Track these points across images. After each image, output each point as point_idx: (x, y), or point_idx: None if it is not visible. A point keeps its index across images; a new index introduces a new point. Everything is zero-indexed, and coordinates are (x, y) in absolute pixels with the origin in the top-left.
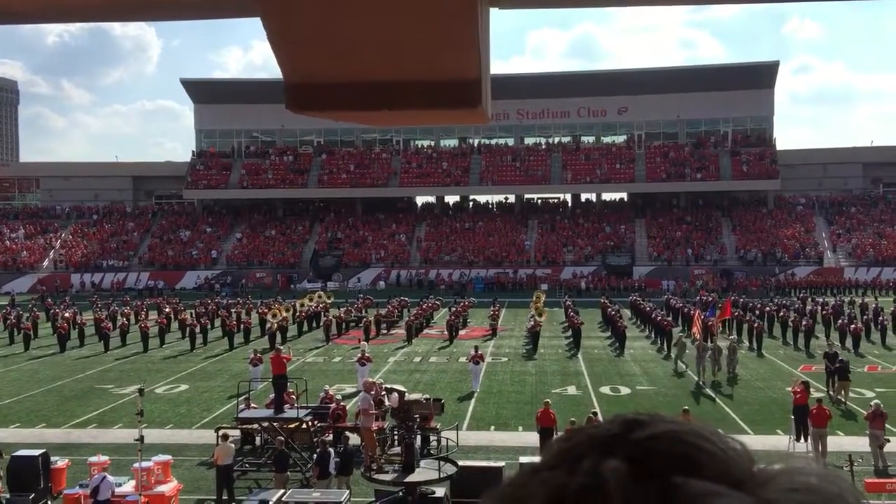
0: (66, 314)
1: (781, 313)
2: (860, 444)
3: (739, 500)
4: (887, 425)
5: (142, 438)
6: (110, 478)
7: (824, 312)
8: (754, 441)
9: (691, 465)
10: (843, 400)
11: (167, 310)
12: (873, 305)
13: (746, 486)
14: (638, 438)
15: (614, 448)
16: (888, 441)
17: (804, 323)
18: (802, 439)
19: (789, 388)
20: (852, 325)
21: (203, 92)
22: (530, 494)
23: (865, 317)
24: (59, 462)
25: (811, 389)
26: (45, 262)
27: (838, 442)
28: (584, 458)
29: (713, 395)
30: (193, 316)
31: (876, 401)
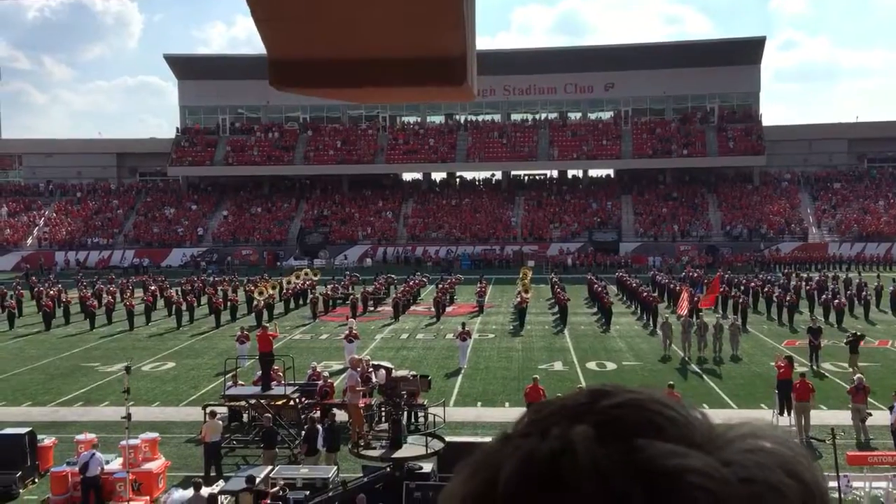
0: (51, 292)
1: (766, 289)
2: (843, 417)
3: (698, 459)
4: (869, 399)
5: (129, 416)
6: (99, 455)
7: (808, 288)
8: (739, 415)
9: (654, 430)
10: (856, 372)
11: (153, 288)
12: (857, 281)
13: (706, 448)
14: (604, 407)
15: (582, 416)
16: (870, 415)
17: (788, 298)
18: (786, 413)
19: (773, 363)
20: (836, 301)
21: (187, 68)
22: (503, 459)
23: (849, 292)
24: (46, 440)
25: (795, 364)
26: (29, 240)
27: (821, 416)
28: (554, 426)
29: (698, 370)
30: (179, 293)
31: (858, 375)
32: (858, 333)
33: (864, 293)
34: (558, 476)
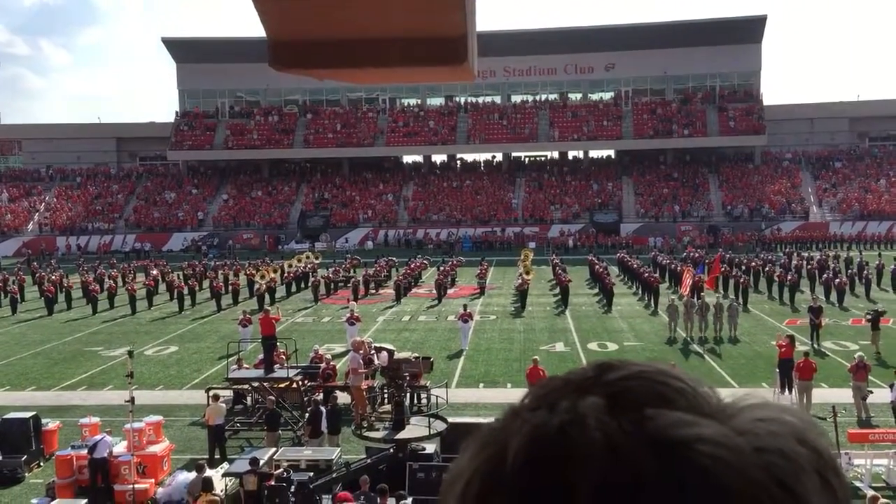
0: (53, 277)
1: (767, 268)
2: (844, 395)
3: (710, 427)
4: (870, 377)
5: (132, 399)
6: (109, 438)
7: (809, 267)
8: (740, 394)
9: (663, 400)
10: (877, 349)
11: (154, 272)
12: (858, 260)
13: (717, 417)
14: (611, 379)
15: (590, 389)
16: (871, 392)
17: (789, 277)
18: (787, 392)
19: (774, 342)
20: (837, 280)
21: (185, 51)
22: (513, 433)
23: (850, 271)
24: (50, 424)
25: (796, 343)
26: (30, 226)
27: (822, 394)
28: (563, 399)
29: (700, 350)
30: (181, 278)
31: (859, 353)
32: (881, 309)
33: (865, 272)
34: (569, 448)
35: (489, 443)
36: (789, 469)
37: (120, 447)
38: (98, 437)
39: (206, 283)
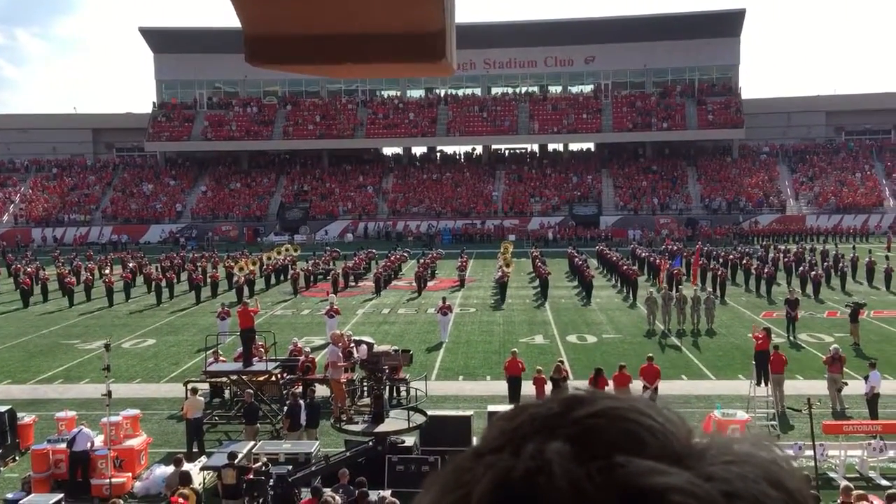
0: (29, 269)
1: (744, 261)
2: (819, 387)
3: (680, 477)
4: (845, 369)
5: (109, 393)
6: (87, 430)
7: (786, 260)
8: (717, 386)
9: (632, 443)
10: (856, 341)
11: (132, 264)
12: (833, 252)
13: (685, 460)
14: (578, 417)
15: (556, 428)
16: (846, 384)
17: (766, 270)
18: (763, 384)
19: (751, 335)
20: (813, 272)
21: (162, 41)
22: (475, 479)
23: (826, 264)
24: (26, 418)
25: (772, 335)
26: (5, 217)
27: (797, 385)
28: (528, 441)
29: (678, 342)
30: (159, 270)
31: (834, 345)
32: (860, 302)
33: (840, 265)
34: (534, 498)
35: (453, 486)
36: None
37: (97, 441)
38: (76, 430)
39: (184, 276)
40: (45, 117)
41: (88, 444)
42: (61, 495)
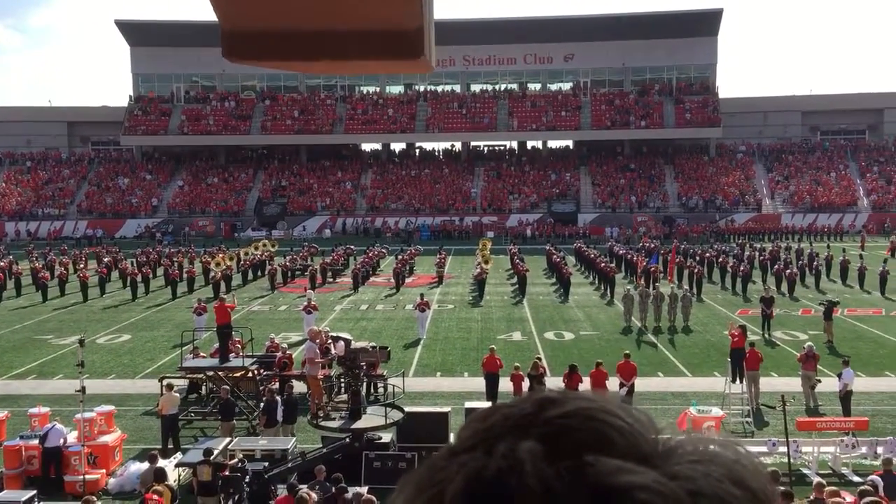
0: (2, 263)
1: (720, 259)
2: (793, 384)
3: (646, 475)
4: (819, 366)
5: (83, 389)
6: (60, 426)
7: (762, 258)
8: (693, 383)
9: (601, 442)
10: (829, 338)
11: (107, 259)
12: (808, 251)
13: (652, 460)
14: (550, 417)
15: (529, 428)
16: (819, 381)
17: (742, 268)
18: (738, 381)
19: (727, 332)
20: (788, 270)
21: (139, 34)
22: (448, 477)
23: (801, 262)
24: None
25: (748, 333)
26: None
27: (772, 382)
28: (500, 440)
29: (654, 339)
30: (134, 265)
31: (808, 343)
32: (833, 300)
33: (815, 263)
34: (506, 496)
35: (426, 485)
36: None
37: (70, 437)
38: (49, 426)
39: (160, 271)
40: (19, 110)
41: (61, 441)
42: (34, 492)
